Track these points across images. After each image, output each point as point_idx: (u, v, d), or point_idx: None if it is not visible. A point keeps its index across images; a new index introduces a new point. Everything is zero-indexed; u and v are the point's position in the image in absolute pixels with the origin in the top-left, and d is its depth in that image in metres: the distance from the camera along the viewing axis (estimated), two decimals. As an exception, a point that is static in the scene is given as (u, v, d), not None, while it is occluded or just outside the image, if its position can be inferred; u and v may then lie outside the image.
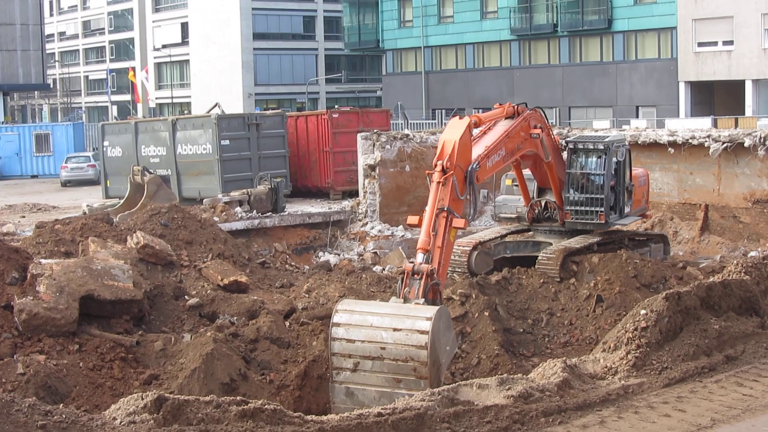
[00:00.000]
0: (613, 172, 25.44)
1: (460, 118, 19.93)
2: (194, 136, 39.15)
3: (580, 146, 25.37)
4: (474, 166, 19.82)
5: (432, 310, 16.41)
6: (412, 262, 17.74)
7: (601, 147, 25.16)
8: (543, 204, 25.95)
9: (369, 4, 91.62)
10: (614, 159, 25.33)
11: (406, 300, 17.19)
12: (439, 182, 18.76)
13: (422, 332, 16.08)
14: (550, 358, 17.79)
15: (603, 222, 25.22)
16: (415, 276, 17.45)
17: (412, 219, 19.09)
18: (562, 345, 21.14)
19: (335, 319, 16.73)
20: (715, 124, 51.24)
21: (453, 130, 19.69)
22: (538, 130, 23.39)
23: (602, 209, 25.12)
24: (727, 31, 63.83)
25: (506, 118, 22.65)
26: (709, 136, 33.56)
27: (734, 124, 52.86)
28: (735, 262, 21.73)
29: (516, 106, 23.03)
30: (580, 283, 22.92)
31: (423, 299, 17.10)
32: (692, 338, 16.87)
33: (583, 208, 25.27)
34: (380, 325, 16.41)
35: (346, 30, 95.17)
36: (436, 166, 19.00)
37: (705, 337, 16.95)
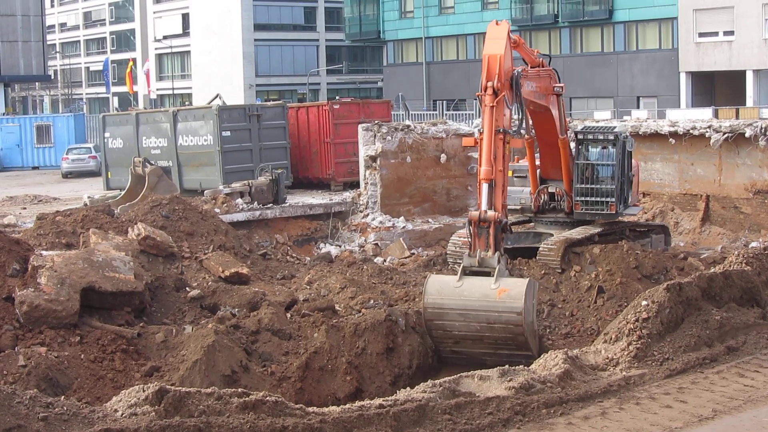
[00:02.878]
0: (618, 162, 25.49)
1: (498, 24, 19.88)
2: (195, 127, 39.13)
3: (590, 137, 25.40)
4: (518, 72, 20.27)
5: (521, 290, 17.97)
6: (475, 210, 19.00)
7: (611, 137, 25.20)
8: (548, 194, 25.98)
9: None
10: (624, 149, 25.42)
11: (474, 251, 18.72)
12: (492, 106, 19.17)
13: (516, 313, 17.87)
14: (551, 349, 17.80)
15: (613, 212, 25.26)
16: (482, 224, 18.71)
17: (468, 140, 20.10)
18: (563, 336, 21.16)
19: (427, 300, 18.51)
20: (716, 115, 51.10)
21: (494, 42, 19.73)
22: (561, 87, 23.61)
23: (613, 200, 25.16)
24: (727, 21, 63.71)
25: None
26: (710, 127, 33.54)
27: (735, 115, 52.77)
28: (736, 252, 21.74)
29: (541, 60, 23.31)
30: (582, 274, 22.93)
31: (496, 252, 18.57)
32: (693, 329, 16.88)
33: (593, 199, 25.30)
34: (474, 309, 18.17)
35: (347, 21, 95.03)
36: (486, 88, 19.33)
37: (706, 328, 16.96)
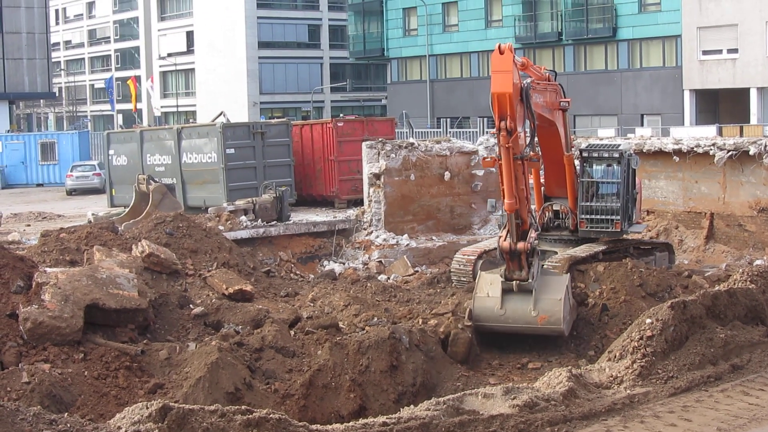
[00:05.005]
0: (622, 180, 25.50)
1: (501, 53, 19.53)
2: (199, 144, 39.18)
3: (595, 154, 25.41)
4: (528, 84, 20.51)
5: (559, 316, 20.45)
6: (505, 239, 20.50)
7: (616, 155, 25.21)
8: (552, 211, 25.98)
9: (374, 13, 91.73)
10: (629, 167, 25.44)
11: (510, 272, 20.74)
12: (508, 147, 19.57)
13: (559, 333, 20.70)
14: (555, 366, 17.78)
15: (618, 230, 25.25)
16: (512, 255, 20.42)
17: (487, 163, 20.79)
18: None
19: (475, 323, 20.87)
20: (720, 132, 51.21)
21: (501, 78, 19.51)
22: (567, 102, 23.68)
23: (618, 217, 25.16)
24: (731, 39, 63.81)
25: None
26: (714, 145, 33.51)
27: (739, 132, 52.80)
28: (740, 270, 21.70)
29: (548, 75, 23.37)
30: (586, 292, 22.89)
31: (529, 272, 20.50)
32: (698, 347, 16.84)
33: (597, 217, 25.29)
34: (519, 332, 20.99)
35: (351, 39, 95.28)
36: (499, 128, 19.59)
37: (711, 346, 16.92)
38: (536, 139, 24.03)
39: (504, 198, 20.18)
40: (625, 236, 26.76)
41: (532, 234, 20.67)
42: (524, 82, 20.45)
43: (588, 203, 25.37)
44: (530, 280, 20.65)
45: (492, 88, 19.53)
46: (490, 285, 21.25)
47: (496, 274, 21.32)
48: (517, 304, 20.80)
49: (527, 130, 20.73)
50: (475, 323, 20.95)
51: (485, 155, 35.71)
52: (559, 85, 24.26)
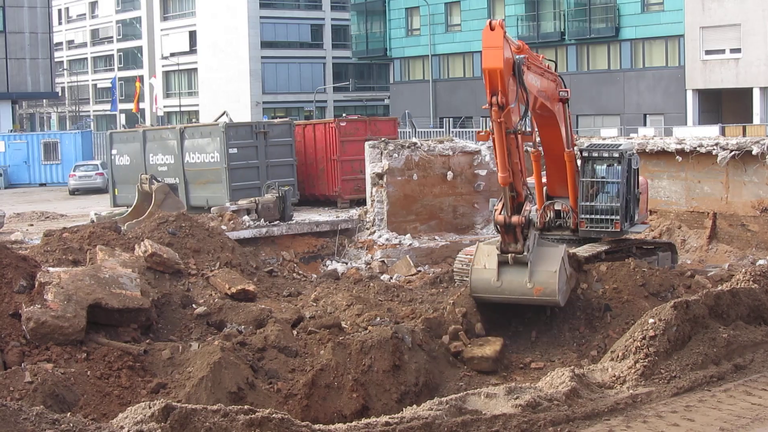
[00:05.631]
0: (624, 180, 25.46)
1: (492, 29, 19.55)
2: (202, 144, 39.19)
3: (595, 154, 25.39)
4: (521, 59, 20.49)
5: (554, 287, 20.92)
6: (501, 212, 20.89)
7: (616, 155, 25.19)
8: (554, 210, 25.93)
9: (376, 13, 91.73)
10: (630, 167, 25.41)
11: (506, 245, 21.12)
12: (500, 121, 19.76)
13: (555, 303, 21.36)
14: (558, 366, 17.77)
15: (618, 230, 25.23)
16: (508, 228, 20.80)
17: (482, 136, 21.17)
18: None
19: (473, 294, 21.64)
20: (722, 132, 51.19)
21: (491, 53, 19.65)
22: (566, 92, 23.73)
23: (617, 217, 25.13)
24: (734, 38, 63.79)
25: None
26: (716, 144, 33.49)
27: (742, 132, 52.79)
28: (743, 270, 21.69)
29: (547, 65, 23.41)
30: (588, 292, 22.88)
31: (525, 245, 20.87)
32: (701, 347, 16.83)
33: (598, 216, 25.28)
34: (516, 302, 21.62)
35: (354, 38, 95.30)
36: (491, 103, 19.78)
37: (713, 346, 16.91)
38: (537, 134, 24.15)
39: (499, 172, 20.52)
40: (627, 236, 26.74)
41: (527, 207, 20.89)
42: (516, 57, 20.46)
43: (588, 203, 25.37)
44: (525, 253, 20.98)
45: (483, 64, 19.82)
46: (487, 257, 21.63)
47: (493, 246, 21.68)
48: (513, 276, 21.23)
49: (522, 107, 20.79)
50: (473, 294, 21.65)
51: (488, 156, 35.85)
52: (560, 77, 24.26)
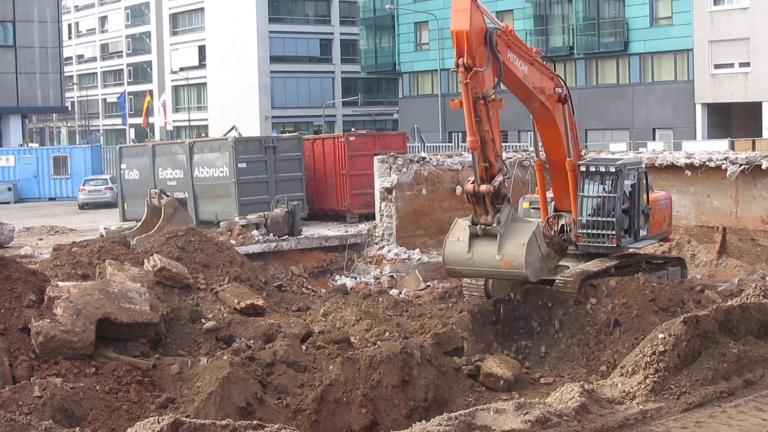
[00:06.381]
0: (627, 195, 25.37)
1: None
2: (211, 158, 39.22)
3: (592, 169, 25.32)
4: (493, 29, 21.18)
5: (521, 260, 21.02)
6: (471, 182, 21.37)
7: (613, 170, 25.09)
8: (559, 225, 25.87)
9: (385, 27, 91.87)
10: (627, 182, 25.27)
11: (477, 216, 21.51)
12: (466, 83, 20.49)
13: (523, 277, 21.61)
14: (567, 382, 17.73)
15: (615, 245, 25.13)
16: (478, 198, 21.18)
17: (454, 104, 21.48)
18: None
19: (446, 267, 22.48)
20: (732, 146, 51.07)
21: (459, 16, 20.51)
22: (562, 88, 23.93)
23: (614, 232, 25.03)
24: (743, 52, 63.76)
25: None
26: (726, 159, 33.46)
27: (751, 146, 52.70)
28: (753, 285, 21.63)
29: (545, 63, 23.91)
30: (598, 307, 22.84)
31: (495, 217, 21.14)
32: (711, 362, 16.77)
33: (595, 231, 25.22)
34: (486, 275, 22.71)
35: (363, 53, 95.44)
36: (457, 64, 20.54)
37: (724, 362, 16.85)
38: (540, 143, 24.38)
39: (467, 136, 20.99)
40: (636, 251, 26.69)
41: (499, 178, 21.13)
42: (489, 30, 21.23)
43: (584, 218, 25.32)
44: (495, 225, 21.19)
45: (450, 26, 20.59)
46: (462, 231, 21.87)
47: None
48: (484, 249, 21.45)
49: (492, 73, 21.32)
50: (445, 267, 22.34)
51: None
52: (559, 78, 24.45)
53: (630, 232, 25.55)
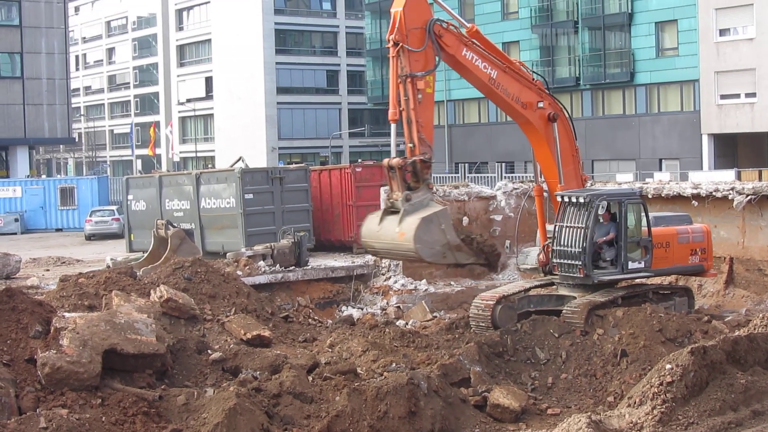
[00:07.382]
0: (614, 226, 25.16)
1: None
2: (218, 189, 39.28)
3: (566, 199, 25.27)
4: (435, 20, 22.86)
5: (411, 234, 21.65)
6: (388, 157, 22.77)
7: (582, 200, 24.95)
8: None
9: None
10: (597, 213, 24.84)
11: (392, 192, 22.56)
12: (394, 57, 22.25)
13: (412, 252, 22.08)
14: (575, 412, 17.67)
15: (583, 275, 24.92)
16: (393, 172, 22.42)
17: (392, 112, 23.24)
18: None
19: (362, 240, 23.62)
20: (738, 177, 51.01)
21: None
22: (546, 104, 24.96)
23: (580, 263, 24.84)
24: (749, 83, 63.85)
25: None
26: (732, 189, 33.42)
27: (758, 177, 52.62)
28: (761, 315, 21.57)
29: (533, 77, 25.28)
30: (605, 337, 22.79)
31: (404, 192, 22.12)
32: (718, 393, 16.73)
33: (566, 261, 25.12)
34: (389, 249, 23.07)
35: (369, 84, 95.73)
36: (387, 39, 22.52)
37: (731, 392, 16.81)
38: (538, 168, 24.66)
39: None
40: (644, 281, 26.62)
41: (414, 156, 22.32)
42: (432, 20, 22.90)
43: (558, 248, 25.25)
44: (403, 201, 22.08)
45: (391, 7, 22.64)
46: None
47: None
48: (390, 223, 22.45)
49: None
50: (361, 240, 23.72)
51: (503, 201, 35.85)
52: (547, 92, 24.91)
53: (616, 263, 25.28)
